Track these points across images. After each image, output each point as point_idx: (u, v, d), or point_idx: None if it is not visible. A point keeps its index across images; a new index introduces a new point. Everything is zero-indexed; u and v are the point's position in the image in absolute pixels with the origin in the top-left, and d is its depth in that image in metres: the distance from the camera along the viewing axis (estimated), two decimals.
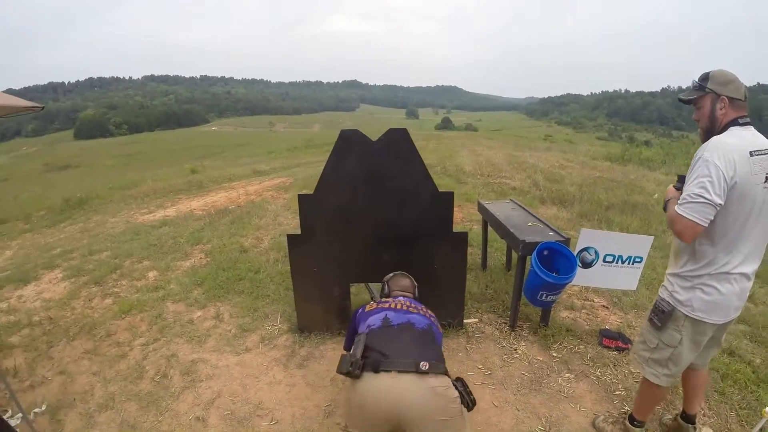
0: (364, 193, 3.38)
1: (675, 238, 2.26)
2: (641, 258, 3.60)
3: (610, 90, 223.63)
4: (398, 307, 2.48)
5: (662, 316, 2.30)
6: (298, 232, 3.55)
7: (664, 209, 2.31)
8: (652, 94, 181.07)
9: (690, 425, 2.70)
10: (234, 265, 5.31)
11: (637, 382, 3.07)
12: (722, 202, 1.99)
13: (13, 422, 2.85)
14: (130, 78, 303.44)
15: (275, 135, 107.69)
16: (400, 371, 2.02)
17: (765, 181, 2.03)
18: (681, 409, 2.78)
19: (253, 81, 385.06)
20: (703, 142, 2.15)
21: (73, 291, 5.04)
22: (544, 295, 3.39)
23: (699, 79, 2.17)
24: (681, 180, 2.28)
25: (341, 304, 3.75)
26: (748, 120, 2.11)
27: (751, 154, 2.00)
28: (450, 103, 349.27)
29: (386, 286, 2.93)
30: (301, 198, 3.44)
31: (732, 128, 2.09)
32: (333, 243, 3.55)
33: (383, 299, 2.68)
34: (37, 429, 2.91)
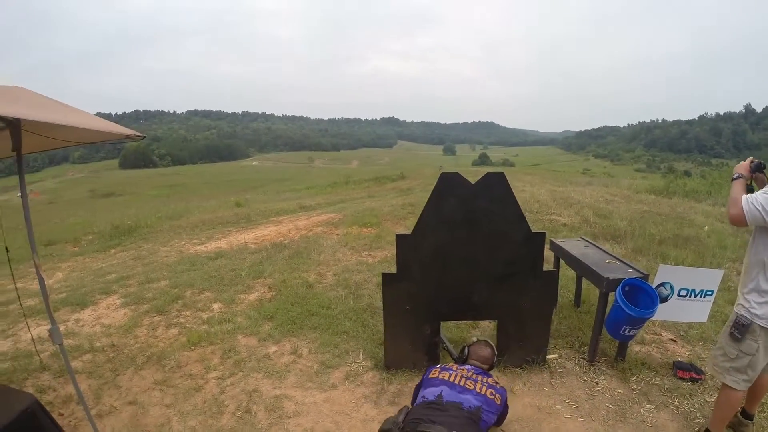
0: (461, 234, 3.47)
1: (747, 259, 2.68)
2: (712, 291, 3.70)
3: (647, 120, 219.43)
4: (457, 381, 2.79)
5: (742, 329, 2.62)
6: (392, 270, 3.61)
7: (733, 179, 2.65)
8: (689, 122, 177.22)
9: (749, 421, 3.07)
10: (302, 300, 5.28)
11: (713, 409, 3.07)
12: None
13: None
14: (175, 112, 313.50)
15: (314, 171, 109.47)
16: None
17: None
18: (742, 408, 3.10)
19: (293, 117, 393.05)
20: None
21: (134, 318, 5.05)
22: (627, 329, 3.54)
23: None
24: (758, 166, 2.65)
25: (431, 342, 3.78)
26: None
27: None
28: (487, 139, 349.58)
29: (466, 350, 3.24)
30: (399, 237, 3.51)
31: None
32: (427, 282, 3.59)
33: (450, 365, 3.00)
34: None
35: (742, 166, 2.68)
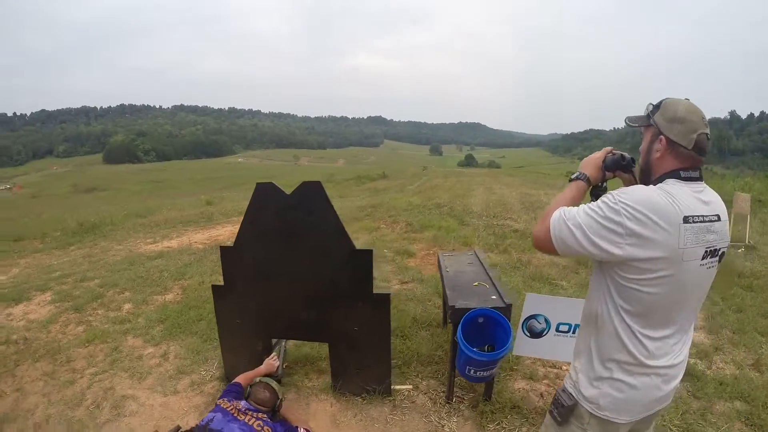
0: (280, 247, 3.30)
1: (583, 309, 1.86)
2: None
3: None
4: (229, 410, 2.87)
5: (563, 410, 1.83)
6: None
7: (570, 180, 1.84)
8: None
9: None
10: (201, 304, 5.35)
11: None
12: (593, 251, 1.56)
13: None
14: (161, 107, 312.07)
15: (299, 169, 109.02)
16: None
17: (704, 257, 1.57)
18: None
19: (280, 114, 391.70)
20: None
21: (54, 315, 5.32)
22: (472, 370, 2.96)
23: (653, 105, 1.69)
24: (618, 161, 1.79)
25: (264, 359, 3.62)
26: (695, 175, 1.60)
27: (686, 220, 1.51)
28: (473, 140, 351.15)
29: (248, 389, 3.18)
30: (223, 250, 3.45)
31: (669, 180, 1.60)
32: (253, 297, 3.48)
33: (231, 399, 3.01)
34: None
35: (591, 162, 1.84)
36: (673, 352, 1.68)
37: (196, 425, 2.81)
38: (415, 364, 3.91)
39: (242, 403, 2.98)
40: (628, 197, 1.51)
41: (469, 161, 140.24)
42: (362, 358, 3.42)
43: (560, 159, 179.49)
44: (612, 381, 1.69)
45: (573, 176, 1.82)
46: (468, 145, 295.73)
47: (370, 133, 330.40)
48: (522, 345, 3.18)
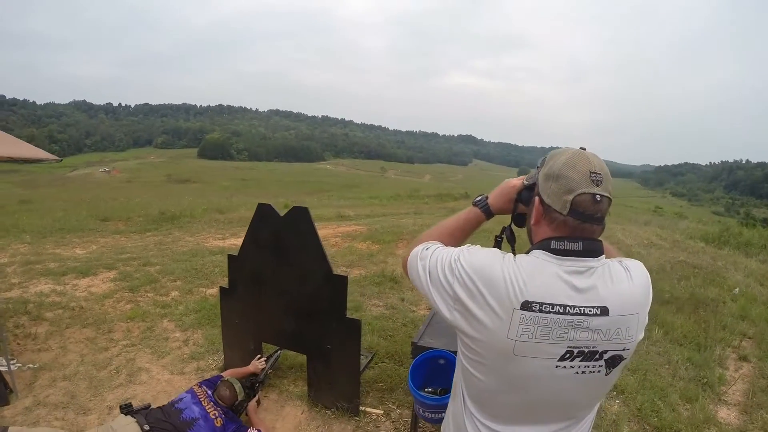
0: (272, 263, 3.61)
1: None
2: None
3: (730, 160, 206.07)
4: (198, 394, 3.23)
5: None
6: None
7: (473, 203, 1.50)
8: None
9: None
10: None
11: None
12: (433, 304, 1.31)
13: (2, 368, 3.76)
14: (257, 110, 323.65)
15: (385, 180, 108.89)
16: (136, 421, 2.82)
17: (565, 359, 1.16)
18: None
19: (371, 126, 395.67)
20: None
21: (111, 291, 6.05)
22: (421, 409, 2.83)
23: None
24: (528, 189, 1.35)
25: (254, 357, 3.91)
26: (573, 247, 1.17)
27: (527, 306, 1.13)
28: None
29: (218, 382, 3.45)
30: (230, 257, 3.91)
31: (536, 252, 1.22)
32: (249, 302, 3.85)
33: (203, 386, 3.36)
34: (17, 377, 3.84)
35: (505, 190, 1.44)
36: None
37: (168, 402, 3.17)
38: (399, 392, 3.89)
39: (208, 392, 3.29)
40: (468, 259, 1.23)
41: None
42: (333, 375, 3.62)
43: (650, 192, 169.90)
44: None
45: (476, 199, 1.49)
46: None
47: (459, 151, 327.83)
48: None
